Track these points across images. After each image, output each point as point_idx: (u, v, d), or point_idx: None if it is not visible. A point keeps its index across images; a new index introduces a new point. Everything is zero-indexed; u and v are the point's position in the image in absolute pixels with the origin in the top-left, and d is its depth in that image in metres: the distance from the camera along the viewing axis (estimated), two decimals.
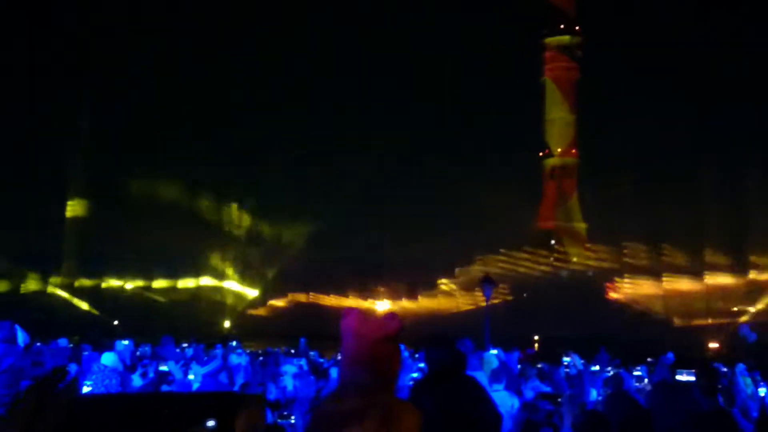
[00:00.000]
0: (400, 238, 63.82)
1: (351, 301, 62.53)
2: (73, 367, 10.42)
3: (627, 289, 61.17)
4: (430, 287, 64.37)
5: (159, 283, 63.46)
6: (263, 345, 46.18)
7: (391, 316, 2.66)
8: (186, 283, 64.79)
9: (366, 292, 63.79)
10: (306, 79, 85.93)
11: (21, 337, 6.77)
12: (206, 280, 65.85)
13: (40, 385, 0.87)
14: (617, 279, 61.92)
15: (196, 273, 65.48)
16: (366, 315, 2.62)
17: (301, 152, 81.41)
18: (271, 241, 69.28)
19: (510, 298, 58.50)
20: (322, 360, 17.64)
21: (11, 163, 50.66)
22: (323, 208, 67.16)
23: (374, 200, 67.03)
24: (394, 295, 63.46)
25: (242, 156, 75.53)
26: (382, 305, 62.44)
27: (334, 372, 12.66)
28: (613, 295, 61.16)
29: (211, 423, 0.95)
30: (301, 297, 66.35)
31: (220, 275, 66.63)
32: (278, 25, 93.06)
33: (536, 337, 54.75)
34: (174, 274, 64.19)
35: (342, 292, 64.64)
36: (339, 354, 2.70)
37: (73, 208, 50.80)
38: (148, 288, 61.33)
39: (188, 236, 60.29)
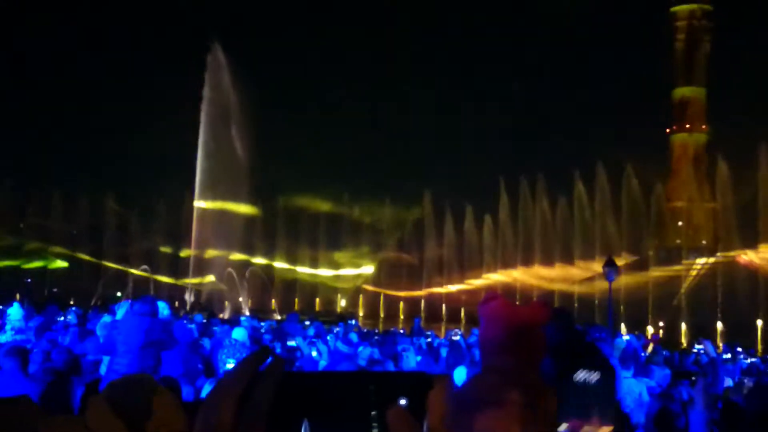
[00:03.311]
0: None
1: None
2: (206, 341, 10.94)
3: (759, 264, 56.89)
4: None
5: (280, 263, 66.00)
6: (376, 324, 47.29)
7: (538, 304, 2.53)
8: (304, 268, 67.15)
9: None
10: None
11: (163, 310, 7.16)
12: (323, 270, 68.01)
13: (248, 363, 0.85)
14: (748, 252, 57.69)
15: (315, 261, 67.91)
16: (511, 301, 2.51)
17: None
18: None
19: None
20: (438, 340, 17.69)
21: None
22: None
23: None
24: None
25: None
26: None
27: (444, 351, 12.66)
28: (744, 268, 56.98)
29: (403, 402, 0.94)
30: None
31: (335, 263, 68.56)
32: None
33: (661, 324, 52.60)
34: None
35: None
36: (479, 339, 2.60)
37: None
38: (269, 267, 63.78)
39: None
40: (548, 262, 59.93)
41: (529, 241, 60.97)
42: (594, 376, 5.12)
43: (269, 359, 0.82)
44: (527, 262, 61.05)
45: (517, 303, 2.46)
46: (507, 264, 62.16)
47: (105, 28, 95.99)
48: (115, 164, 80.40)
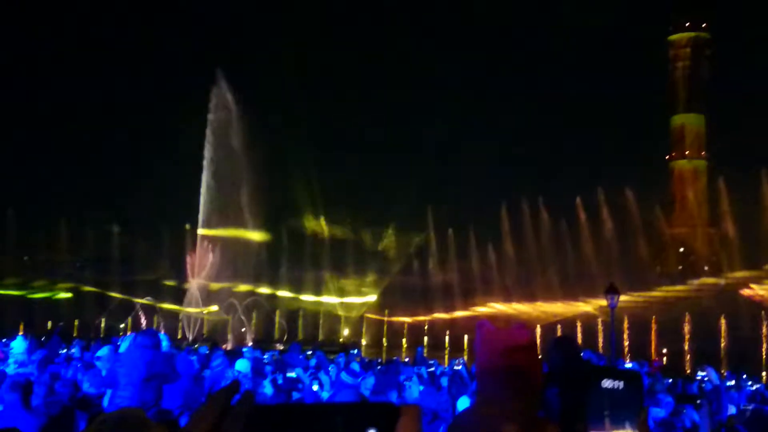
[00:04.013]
0: None
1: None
2: (206, 373, 10.96)
3: (762, 295, 56.80)
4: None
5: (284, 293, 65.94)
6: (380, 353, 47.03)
7: (520, 325, 2.63)
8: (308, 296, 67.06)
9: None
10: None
11: (165, 343, 7.21)
12: (327, 298, 67.92)
13: (216, 398, 0.93)
14: (752, 285, 57.67)
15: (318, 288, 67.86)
16: (496, 326, 2.60)
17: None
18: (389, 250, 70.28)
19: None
20: (440, 368, 17.63)
21: None
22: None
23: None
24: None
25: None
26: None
27: (445, 381, 12.65)
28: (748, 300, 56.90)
29: None
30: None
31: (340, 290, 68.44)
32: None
33: (665, 351, 52.25)
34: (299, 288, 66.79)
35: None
36: (474, 368, 2.70)
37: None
38: (273, 296, 63.66)
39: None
40: (550, 294, 59.83)
41: (531, 272, 60.97)
42: (619, 385, 5.21)
43: (240, 394, 0.89)
44: (530, 293, 60.96)
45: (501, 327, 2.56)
46: (509, 293, 62.05)
47: (107, 56, 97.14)
48: (119, 194, 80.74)
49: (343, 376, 8.07)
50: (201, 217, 50.52)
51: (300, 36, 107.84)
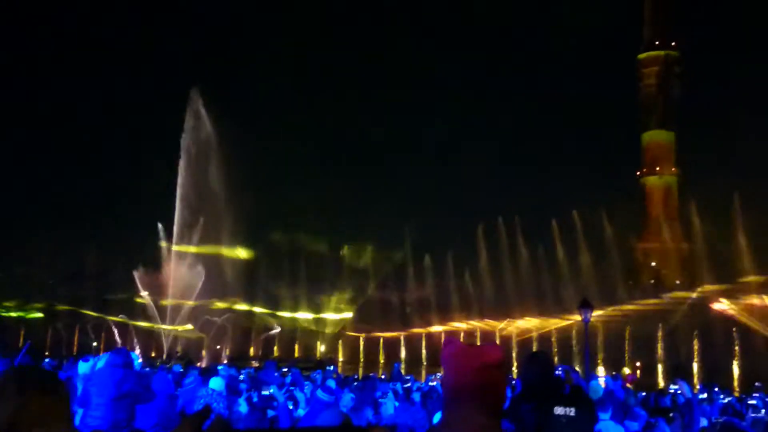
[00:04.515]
0: None
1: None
2: (179, 392, 10.85)
3: (733, 311, 57.69)
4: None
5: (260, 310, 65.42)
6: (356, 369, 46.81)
7: (492, 345, 2.66)
8: (284, 313, 66.60)
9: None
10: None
11: (138, 362, 7.13)
12: (303, 314, 67.53)
13: (188, 423, 0.95)
14: (722, 300, 58.54)
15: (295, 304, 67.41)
16: (467, 344, 2.63)
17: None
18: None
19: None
20: (417, 384, 17.61)
21: None
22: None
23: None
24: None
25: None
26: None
27: (417, 396, 12.66)
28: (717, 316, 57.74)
29: None
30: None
31: (317, 306, 68.12)
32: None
33: (638, 363, 52.66)
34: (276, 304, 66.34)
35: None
36: (443, 386, 2.71)
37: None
38: (250, 313, 63.18)
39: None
40: (525, 310, 60.12)
41: (505, 291, 61.30)
42: (570, 411, 5.30)
43: (210, 419, 0.91)
44: (505, 310, 61.19)
45: (475, 345, 2.60)
46: (485, 309, 62.28)
47: (81, 78, 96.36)
48: (95, 212, 79.89)
49: (319, 393, 8.04)
50: (176, 230, 49.98)
51: (299, 39, 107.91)
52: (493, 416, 2.52)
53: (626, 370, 43.71)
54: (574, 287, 55.72)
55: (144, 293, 50.57)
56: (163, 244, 52.06)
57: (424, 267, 65.91)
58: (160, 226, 50.66)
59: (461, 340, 2.87)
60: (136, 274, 50.63)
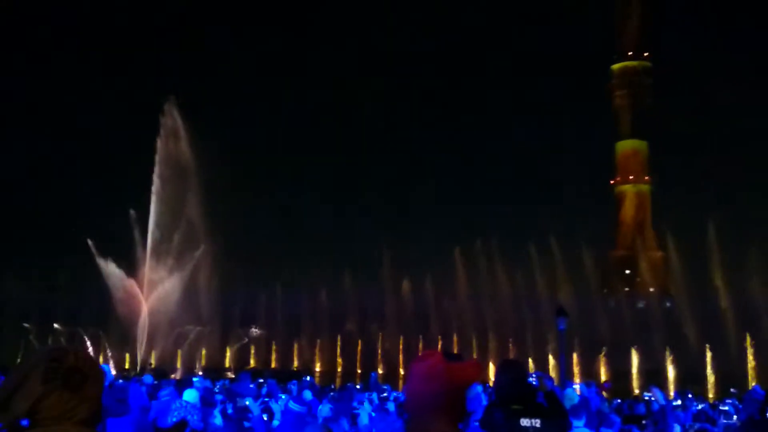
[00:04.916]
0: None
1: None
2: (153, 404, 10.71)
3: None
4: None
5: None
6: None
7: (473, 363, 2.66)
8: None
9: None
10: None
11: (108, 375, 7.03)
12: None
13: None
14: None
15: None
16: (448, 360, 2.61)
17: None
18: None
19: None
20: (394, 394, 17.61)
21: None
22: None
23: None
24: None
25: None
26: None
27: (391, 406, 12.67)
28: None
29: None
30: None
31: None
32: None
33: (608, 372, 53.07)
34: None
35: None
36: (408, 395, 2.70)
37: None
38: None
39: None
40: (502, 324, 60.05)
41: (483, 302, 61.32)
42: (536, 423, 5.34)
43: None
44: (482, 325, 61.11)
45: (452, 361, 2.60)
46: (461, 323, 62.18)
47: (53, 97, 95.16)
48: (68, 228, 78.69)
49: (291, 404, 8.01)
50: (148, 255, 49.28)
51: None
52: (454, 426, 2.54)
53: (602, 377, 44.05)
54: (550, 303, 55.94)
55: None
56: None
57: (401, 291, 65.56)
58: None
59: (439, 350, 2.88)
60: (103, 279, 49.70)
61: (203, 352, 52.81)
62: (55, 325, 56.92)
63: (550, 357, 52.58)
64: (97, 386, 1.93)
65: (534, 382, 11.18)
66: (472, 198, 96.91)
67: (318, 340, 66.13)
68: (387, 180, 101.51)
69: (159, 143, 49.49)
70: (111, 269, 49.67)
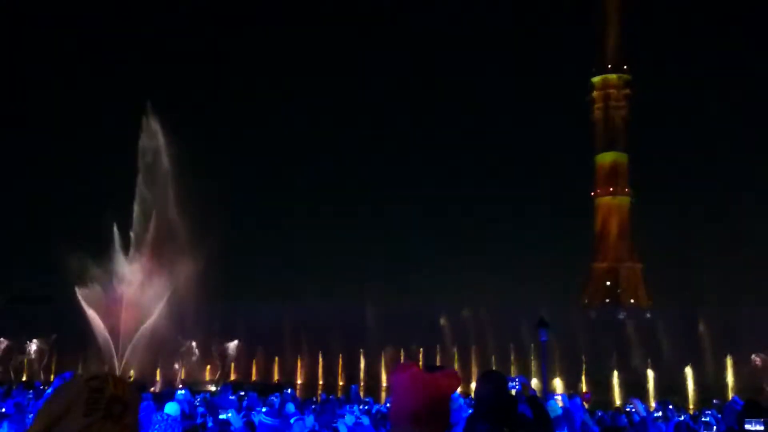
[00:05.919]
0: None
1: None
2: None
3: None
4: None
5: None
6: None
7: (451, 373, 2.65)
8: None
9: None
10: None
11: None
12: None
13: None
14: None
15: None
16: (425, 371, 2.60)
17: None
18: None
19: None
20: (376, 407, 17.53)
21: None
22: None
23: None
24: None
25: None
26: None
27: (365, 419, 12.62)
28: None
29: None
30: None
31: None
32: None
33: (587, 384, 53.32)
34: None
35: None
36: (391, 409, 2.69)
37: None
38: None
39: None
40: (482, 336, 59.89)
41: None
42: None
43: None
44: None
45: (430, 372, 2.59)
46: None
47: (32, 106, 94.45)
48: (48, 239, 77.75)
49: (262, 417, 7.94)
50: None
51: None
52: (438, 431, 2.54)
53: (582, 388, 44.21)
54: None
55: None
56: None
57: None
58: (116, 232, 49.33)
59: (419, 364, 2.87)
60: (79, 293, 49.04)
61: (183, 365, 52.28)
62: (34, 340, 56.14)
63: (533, 368, 52.69)
64: (135, 414, 1.89)
65: (517, 387, 11.18)
66: (456, 210, 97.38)
67: (299, 354, 65.81)
68: (375, 197, 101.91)
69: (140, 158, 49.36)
70: (90, 292, 49.16)
